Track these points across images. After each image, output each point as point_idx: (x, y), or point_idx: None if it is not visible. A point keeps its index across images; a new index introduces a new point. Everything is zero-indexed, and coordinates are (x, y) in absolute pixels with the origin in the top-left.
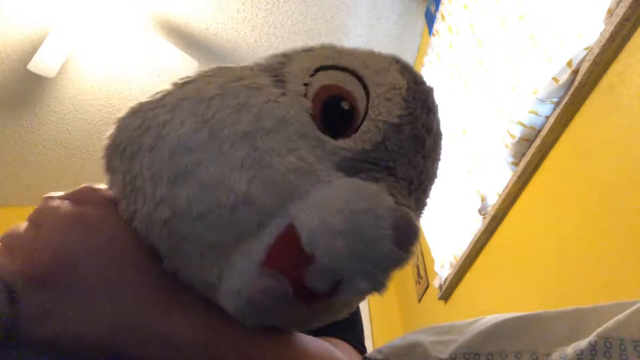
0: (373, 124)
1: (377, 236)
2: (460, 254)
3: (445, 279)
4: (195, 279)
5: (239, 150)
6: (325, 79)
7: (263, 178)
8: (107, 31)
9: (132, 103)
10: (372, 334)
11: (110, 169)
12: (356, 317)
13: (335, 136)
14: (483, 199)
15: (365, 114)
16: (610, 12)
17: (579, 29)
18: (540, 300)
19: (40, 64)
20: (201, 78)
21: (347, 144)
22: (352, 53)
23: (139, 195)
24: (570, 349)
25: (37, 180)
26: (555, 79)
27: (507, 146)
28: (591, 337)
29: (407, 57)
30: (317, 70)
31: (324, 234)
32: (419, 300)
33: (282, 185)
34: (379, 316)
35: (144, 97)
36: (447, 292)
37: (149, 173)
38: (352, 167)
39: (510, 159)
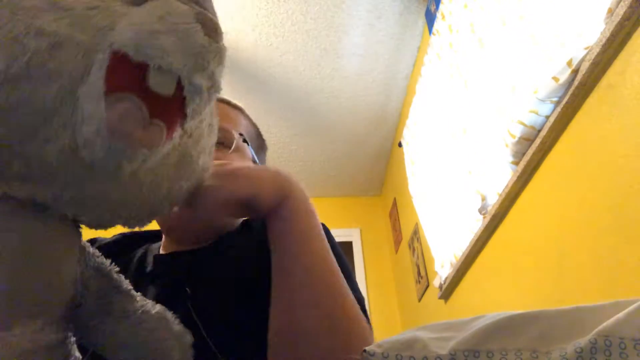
0: None
1: (189, 30)
2: (461, 254)
3: (446, 279)
4: (52, 153)
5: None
6: None
7: (67, 17)
8: None
9: None
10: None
11: None
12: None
13: None
14: (483, 199)
15: None
16: (610, 12)
17: (579, 28)
18: (540, 299)
19: None
20: None
21: None
22: None
23: None
24: (570, 347)
25: None
26: (555, 79)
27: (507, 146)
28: (591, 336)
29: (407, 57)
30: None
31: (145, 40)
32: (419, 300)
33: (88, 19)
34: (379, 316)
35: None
36: (447, 291)
37: None
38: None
39: (511, 159)
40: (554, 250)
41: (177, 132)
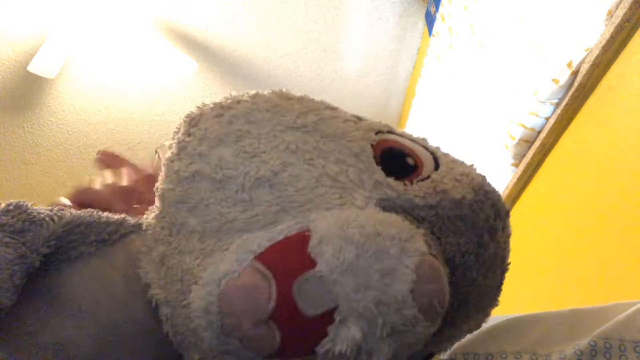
0: (433, 186)
1: (393, 269)
2: None
3: None
4: (177, 268)
5: (290, 136)
6: (399, 139)
7: (298, 168)
8: (106, 32)
9: (132, 103)
10: None
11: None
12: None
13: (388, 175)
14: None
15: (428, 178)
16: (610, 14)
17: (579, 30)
18: (540, 301)
19: (40, 65)
20: None
21: (398, 185)
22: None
23: (182, 154)
24: (569, 350)
25: (37, 181)
26: (555, 80)
27: (507, 147)
28: (591, 338)
29: (407, 58)
30: (394, 133)
31: (335, 239)
32: None
33: (314, 186)
34: None
35: (143, 98)
36: None
37: (202, 133)
38: (393, 210)
39: (511, 160)
40: (554, 252)
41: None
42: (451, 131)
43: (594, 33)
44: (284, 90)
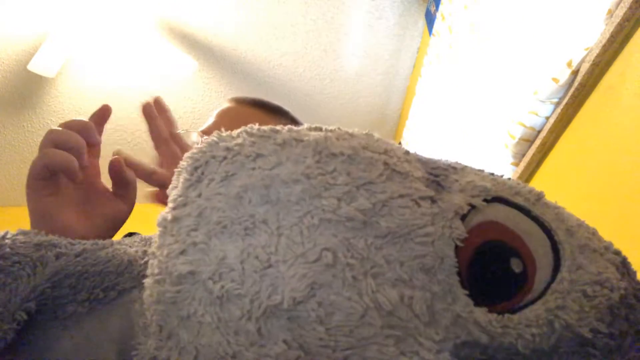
0: (547, 315)
1: None
2: None
3: None
4: None
5: (325, 236)
6: (501, 215)
7: (335, 293)
8: (107, 32)
9: (132, 103)
10: None
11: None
12: None
13: (477, 299)
14: None
15: (542, 294)
16: (610, 13)
17: (579, 29)
18: None
19: (40, 64)
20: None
21: (491, 322)
22: (555, 208)
23: (175, 229)
24: None
25: None
26: (555, 80)
27: (507, 147)
28: None
29: (407, 58)
30: (496, 199)
31: None
32: None
33: (358, 324)
34: None
35: (143, 97)
36: None
37: (200, 206)
38: None
39: (511, 160)
40: None
41: None
42: (451, 130)
43: (594, 32)
44: (329, 141)
